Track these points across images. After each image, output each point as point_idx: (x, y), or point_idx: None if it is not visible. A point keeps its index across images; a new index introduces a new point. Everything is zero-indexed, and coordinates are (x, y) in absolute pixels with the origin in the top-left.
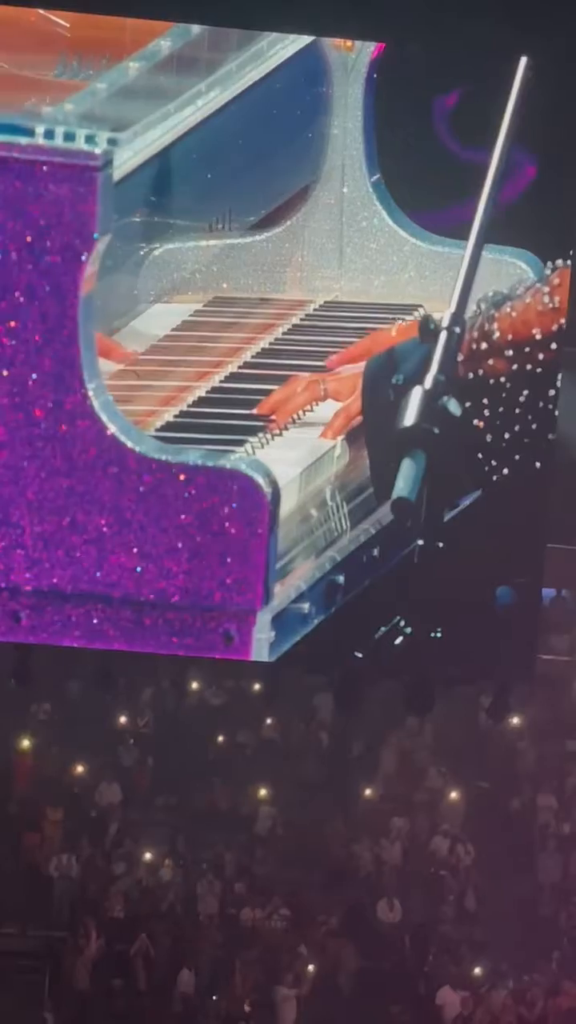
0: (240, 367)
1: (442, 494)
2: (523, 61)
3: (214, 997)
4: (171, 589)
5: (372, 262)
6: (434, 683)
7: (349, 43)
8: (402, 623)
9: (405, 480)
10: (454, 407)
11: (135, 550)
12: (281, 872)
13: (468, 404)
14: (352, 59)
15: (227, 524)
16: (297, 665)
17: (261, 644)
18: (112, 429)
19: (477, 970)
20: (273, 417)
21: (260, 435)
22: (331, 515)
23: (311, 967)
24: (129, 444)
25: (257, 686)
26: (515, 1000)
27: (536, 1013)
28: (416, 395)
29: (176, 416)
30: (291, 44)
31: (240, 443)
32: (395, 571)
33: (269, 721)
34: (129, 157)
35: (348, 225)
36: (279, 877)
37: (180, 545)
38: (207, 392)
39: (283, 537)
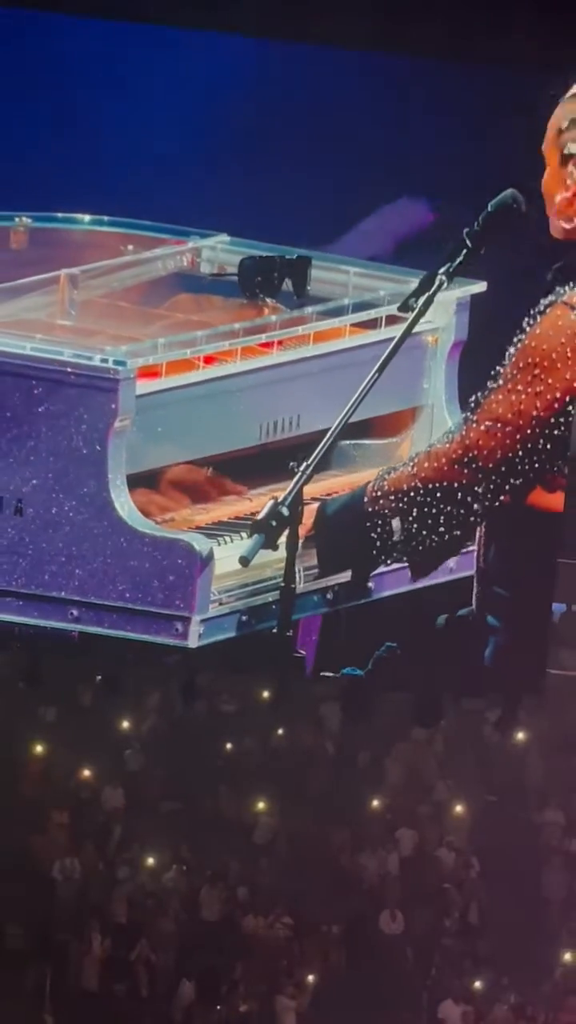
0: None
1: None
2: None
3: (218, 1007)
4: (138, 605)
5: None
6: (442, 696)
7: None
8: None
9: (247, 548)
10: (284, 511)
11: (114, 583)
12: (284, 881)
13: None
14: (437, 349)
15: (170, 575)
16: (303, 674)
17: (194, 633)
18: (120, 512)
19: (478, 983)
20: None
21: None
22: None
23: (312, 977)
24: (125, 520)
25: (265, 694)
26: (515, 1015)
27: None
28: (270, 503)
29: (229, 517)
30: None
31: (235, 531)
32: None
33: (279, 731)
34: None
35: (434, 435)
36: (282, 886)
37: (144, 583)
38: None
39: (231, 583)
